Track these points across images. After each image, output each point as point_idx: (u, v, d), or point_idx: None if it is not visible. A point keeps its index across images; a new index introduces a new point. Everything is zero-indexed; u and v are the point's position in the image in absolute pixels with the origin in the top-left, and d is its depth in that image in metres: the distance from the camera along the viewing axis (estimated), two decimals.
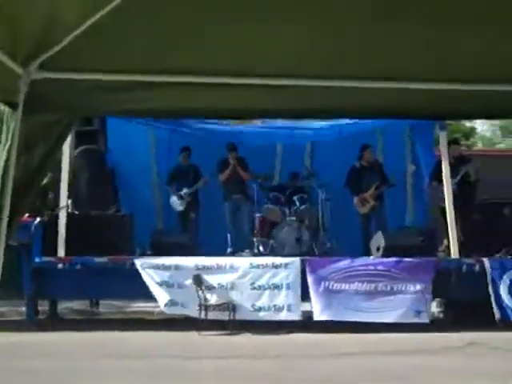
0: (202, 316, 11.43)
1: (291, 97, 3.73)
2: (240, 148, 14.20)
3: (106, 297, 13.41)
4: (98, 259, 11.99)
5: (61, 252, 12.06)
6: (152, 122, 14.45)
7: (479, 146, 31.12)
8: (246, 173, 14.01)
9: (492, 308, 11.68)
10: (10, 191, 3.48)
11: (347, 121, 16.31)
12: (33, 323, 11.92)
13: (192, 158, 14.39)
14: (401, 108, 3.96)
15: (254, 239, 13.28)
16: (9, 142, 3.45)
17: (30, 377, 7.98)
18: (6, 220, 3.48)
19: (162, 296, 11.80)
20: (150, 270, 11.83)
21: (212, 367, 8.92)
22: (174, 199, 14.14)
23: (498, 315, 11.61)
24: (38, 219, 12.25)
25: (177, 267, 11.87)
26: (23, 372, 8.14)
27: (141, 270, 11.79)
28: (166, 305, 11.78)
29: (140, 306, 13.49)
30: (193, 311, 11.61)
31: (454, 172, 13.10)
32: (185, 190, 14.04)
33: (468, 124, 32.21)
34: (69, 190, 12.77)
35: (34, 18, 3.00)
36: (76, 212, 12.98)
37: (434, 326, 11.61)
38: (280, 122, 20.08)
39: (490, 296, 11.72)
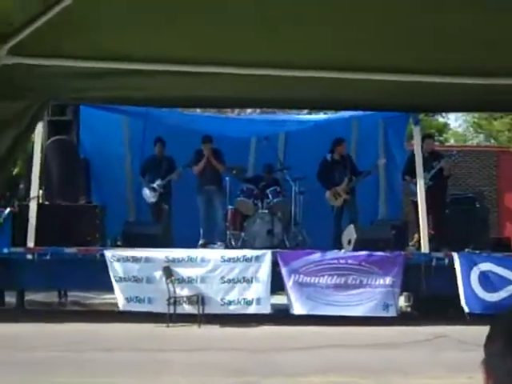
0: (171, 309, 11.39)
1: (259, 86, 3.68)
2: (215, 140, 14.11)
3: (75, 288, 13.35)
4: (67, 250, 11.93)
5: (30, 243, 11.99)
6: (126, 113, 14.37)
7: (451, 141, 31.36)
8: (220, 164, 13.91)
9: (461, 302, 11.74)
10: None
11: (322, 115, 16.46)
12: None
13: (167, 150, 14.29)
14: (373, 100, 3.92)
15: (227, 232, 13.24)
16: None
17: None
18: None
19: (124, 294, 11.71)
20: (119, 263, 11.76)
21: (180, 360, 8.92)
22: (146, 191, 14.04)
23: (466, 309, 11.67)
24: (8, 209, 12.19)
25: (147, 259, 11.81)
26: None
27: (109, 264, 11.72)
28: (129, 301, 11.66)
29: (108, 297, 13.32)
30: (160, 306, 11.50)
31: (426, 167, 13.12)
32: (158, 182, 13.94)
33: (441, 119, 32.46)
34: (40, 181, 12.70)
35: None
36: (47, 202, 12.89)
37: (401, 319, 11.65)
38: (255, 115, 20.23)
39: (458, 290, 11.79)
